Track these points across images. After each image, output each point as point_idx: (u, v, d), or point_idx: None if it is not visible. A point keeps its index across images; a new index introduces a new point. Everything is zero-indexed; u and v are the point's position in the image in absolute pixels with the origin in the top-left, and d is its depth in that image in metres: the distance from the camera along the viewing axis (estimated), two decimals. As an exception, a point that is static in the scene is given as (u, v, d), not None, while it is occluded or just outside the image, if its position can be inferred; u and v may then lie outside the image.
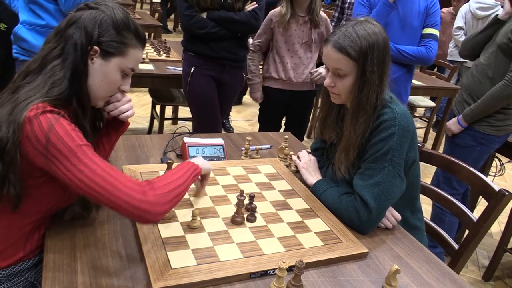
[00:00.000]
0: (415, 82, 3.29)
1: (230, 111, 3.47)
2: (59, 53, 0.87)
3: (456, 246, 1.27)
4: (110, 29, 0.89)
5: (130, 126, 1.10)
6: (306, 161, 1.33)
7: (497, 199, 1.18)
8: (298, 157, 1.38)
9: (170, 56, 2.70)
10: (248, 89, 2.28)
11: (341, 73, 1.09)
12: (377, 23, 1.11)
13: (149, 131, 3.19)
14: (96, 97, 0.93)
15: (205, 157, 1.35)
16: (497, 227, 2.73)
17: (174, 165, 1.21)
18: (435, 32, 2.14)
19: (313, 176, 1.28)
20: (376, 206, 1.06)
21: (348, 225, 1.10)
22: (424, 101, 3.89)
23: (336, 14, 3.47)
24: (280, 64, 2.20)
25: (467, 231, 1.25)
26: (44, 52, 0.89)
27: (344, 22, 3.57)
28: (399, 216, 1.15)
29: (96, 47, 0.88)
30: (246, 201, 1.06)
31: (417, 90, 3.29)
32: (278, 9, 2.18)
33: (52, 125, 0.78)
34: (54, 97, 0.83)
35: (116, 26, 0.89)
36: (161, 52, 2.72)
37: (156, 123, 3.04)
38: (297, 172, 1.36)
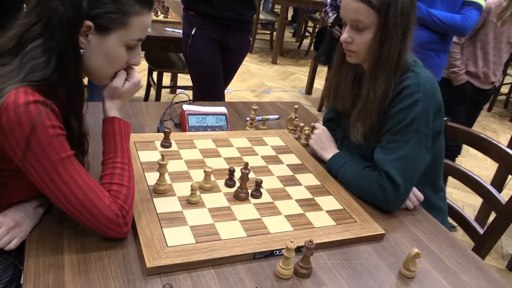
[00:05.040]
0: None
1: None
2: (41, 31, 0.73)
3: (481, 231, 1.18)
4: None
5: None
6: (319, 131, 1.19)
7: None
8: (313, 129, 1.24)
9: (169, 17, 2.53)
10: None
11: (360, 26, 0.98)
12: None
13: (145, 100, 3.06)
14: (101, 77, 0.84)
15: (206, 127, 1.26)
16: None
17: (172, 135, 1.13)
18: (479, 0, 1.94)
19: (327, 149, 1.16)
20: (403, 182, 0.97)
21: (371, 203, 1.02)
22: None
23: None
24: (482, 60, 2.15)
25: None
26: (22, 28, 0.74)
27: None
28: (421, 196, 1.05)
29: (88, 22, 0.74)
30: (251, 175, 0.97)
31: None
32: (497, 0, 2.03)
33: (34, 128, 0.69)
34: (34, 82, 0.72)
35: None
36: (159, 12, 2.54)
37: (153, 91, 2.90)
38: (307, 146, 1.26)
